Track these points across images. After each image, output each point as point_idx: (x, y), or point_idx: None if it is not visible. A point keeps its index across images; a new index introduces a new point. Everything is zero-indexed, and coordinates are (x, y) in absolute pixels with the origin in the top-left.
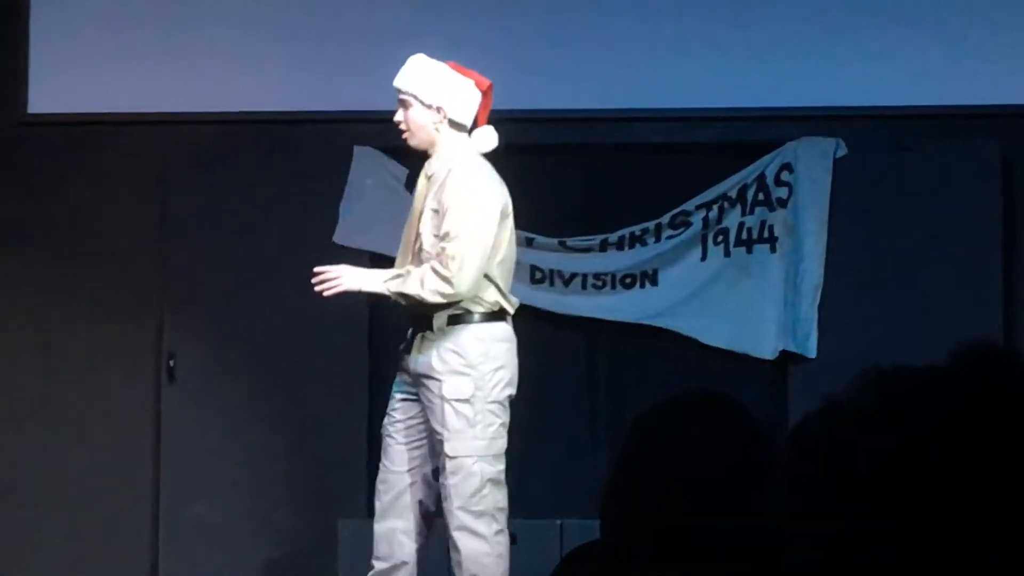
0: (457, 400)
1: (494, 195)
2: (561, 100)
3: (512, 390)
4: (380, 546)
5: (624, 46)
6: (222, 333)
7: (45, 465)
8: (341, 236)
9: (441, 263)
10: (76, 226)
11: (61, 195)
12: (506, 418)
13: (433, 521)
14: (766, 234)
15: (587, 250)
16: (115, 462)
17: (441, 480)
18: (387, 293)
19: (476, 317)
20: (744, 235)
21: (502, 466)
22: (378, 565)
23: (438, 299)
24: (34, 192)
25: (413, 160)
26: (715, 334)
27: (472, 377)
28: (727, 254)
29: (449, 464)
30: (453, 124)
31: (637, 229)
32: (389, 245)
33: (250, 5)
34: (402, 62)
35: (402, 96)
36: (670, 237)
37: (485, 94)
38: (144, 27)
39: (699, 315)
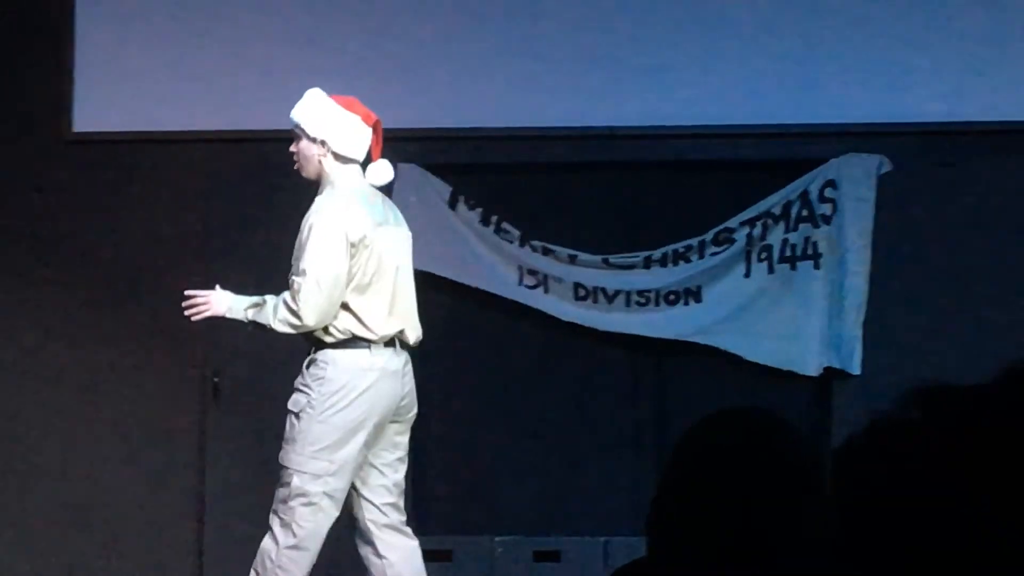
0: (290, 411)
1: (342, 228)
2: (605, 118)
3: (352, 415)
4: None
5: (668, 63)
6: (266, 350)
7: (93, 482)
8: None
9: (291, 296)
10: (121, 244)
11: (106, 213)
12: (337, 440)
13: (383, 529)
14: (810, 251)
15: (631, 267)
16: (161, 480)
17: None
18: (246, 321)
19: (327, 343)
20: (788, 252)
21: (319, 488)
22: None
23: (287, 329)
24: (79, 210)
25: (457, 178)
26: (759, 351)
27: (307, 395)
28: (771, 271)
29: (280, 472)
30: (338, 157)
31: (681, 246)
32: (434, 262)
33: (292, 25)
34: (445, 80)
35: (294, 129)
36: (714, 254)
37: (374, 129)
38: (186, 46)
39: (743, 332)
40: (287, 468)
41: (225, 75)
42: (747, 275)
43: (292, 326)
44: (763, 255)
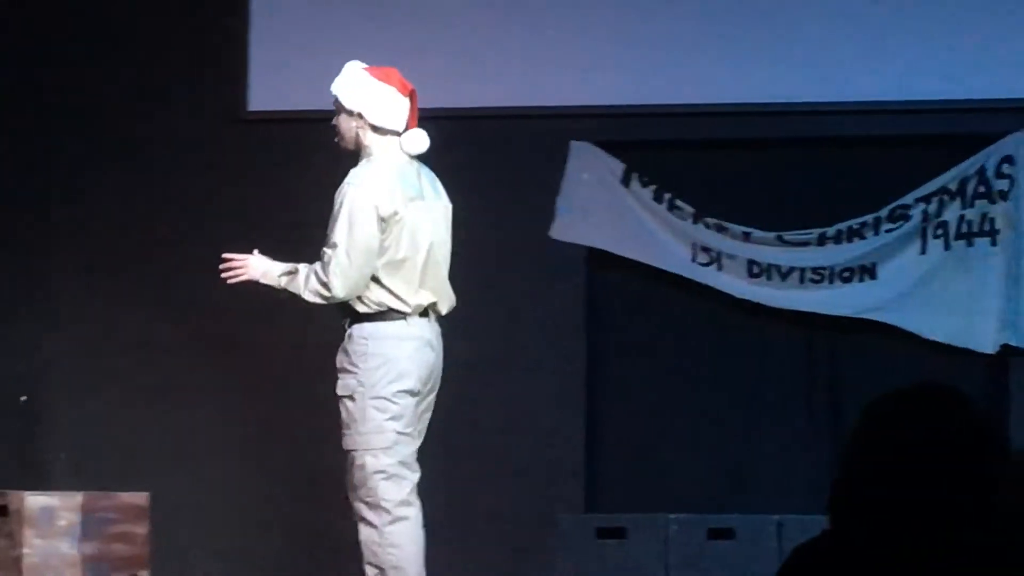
0: (343, 397)
1: (373, 202)
2: (779, 93)
3: (404, 384)
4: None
5: (841, 38)
6: (442, 327)
7: (254, 455)
8: (558, 231)
9: (321, 267)
10: (296, 222)
11: (281, 192)
12: (397, 411)
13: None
14: (987, 227)
15: (805, 244)
16: (326, 458)
17: None
18: (279, 288)
19: (362, 317)
20: (964, 228)
21: (392, 459)
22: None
23: (317, 299)
24: (254, 189)
25: (630, 155)
26: (935, 328)
27: (354, 374)
28: (947, 247)
29: (347, 458)
30: (375, 129)
31: (855, 223)
32: (606, 240)
33: (475, 2)
34: (619, 58)
35: (333, 103)
36: (889, 231)
37: (410, 99)
38: (360, 24)
39: (918, 309)
40: (354, 451)
41: (405, 54)
42: (923, 252)
43: (322, 296)
44: (939, 232)
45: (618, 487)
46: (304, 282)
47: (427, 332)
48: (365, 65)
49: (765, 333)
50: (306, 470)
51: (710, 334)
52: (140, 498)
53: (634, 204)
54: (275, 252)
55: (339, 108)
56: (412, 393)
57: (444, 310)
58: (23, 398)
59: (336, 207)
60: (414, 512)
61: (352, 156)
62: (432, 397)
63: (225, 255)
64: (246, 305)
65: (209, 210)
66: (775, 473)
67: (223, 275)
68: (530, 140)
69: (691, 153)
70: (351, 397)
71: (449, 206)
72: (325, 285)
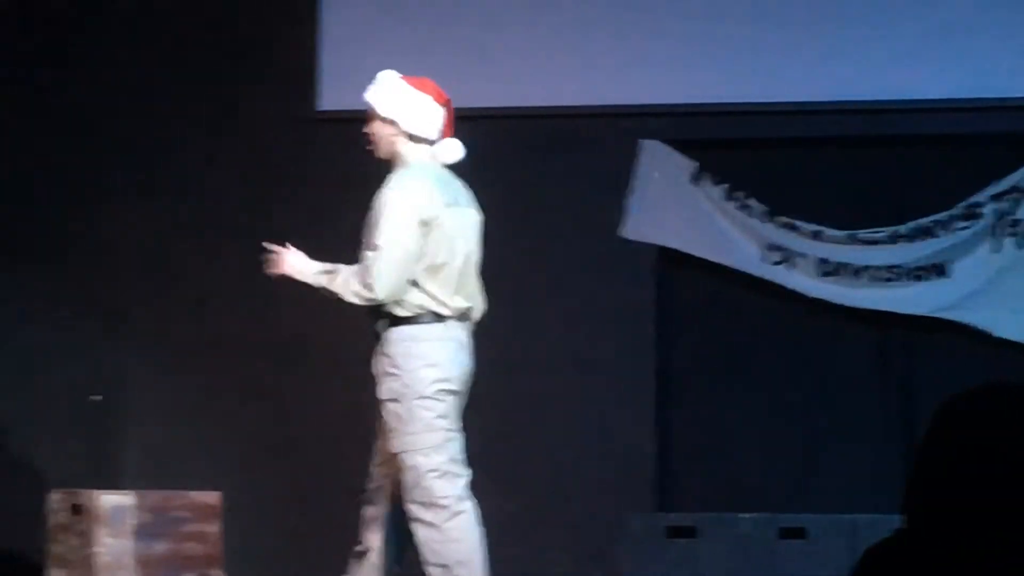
0: (389, 400)
1: (415, 206)
2: (851, 91)
3: (447, 384)
4: (360, 531)
5: (913, 36)
6: (508, 327)
7: (335, 458)
8: (629, 230)
9: (363, 269)
10: (363, 221)
11: (350, 192)
12: (443, 409)
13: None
14: None
15: (877, 242)
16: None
17: None
18: (315, 286)
19: (400, 320)
20: None
21: (444, 457)
22: (356, 548)
23: (357, 301)
24: (324, 189)
25: (701, 153)
26: (1007, 326)
27: (398, 377)
28: (1020, 246)
29: (397, 460)
30: (410, 137)
31: (928, 221)
32: (677, 239)
33: (555, 3)
34: (690, 56)
35: (368, 110)
36: (961, 229)
37: (445, 108)
38: (431, 23)
39: (991, 307)
40: (405, 452)
41: (468, 52)
42: (995, 250)
43: (364, 299)
44: (1012, 230)
45: (689, 486)
46: (344, 283)
47: (463, 335)
48: (401, 75)
49: (836, 332)
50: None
51: (781, 333)
52: (212, 497)
53: (705, 203)
54: (342, 252)
55: (373, 116)
56: (453, 392)
57: (477, 316)
58: (95, 398)
59: (376, 211)
60: (471, 506)
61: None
62: (463, 403)
63: (265, 244)
64: (315, 306)
65: (278, 209)
66: (847, 472)
67: (264, 267)
68: (601, 139)
69: (762, 151)
70: (396, 400)
71: (480, 217)
72: (368, 286)
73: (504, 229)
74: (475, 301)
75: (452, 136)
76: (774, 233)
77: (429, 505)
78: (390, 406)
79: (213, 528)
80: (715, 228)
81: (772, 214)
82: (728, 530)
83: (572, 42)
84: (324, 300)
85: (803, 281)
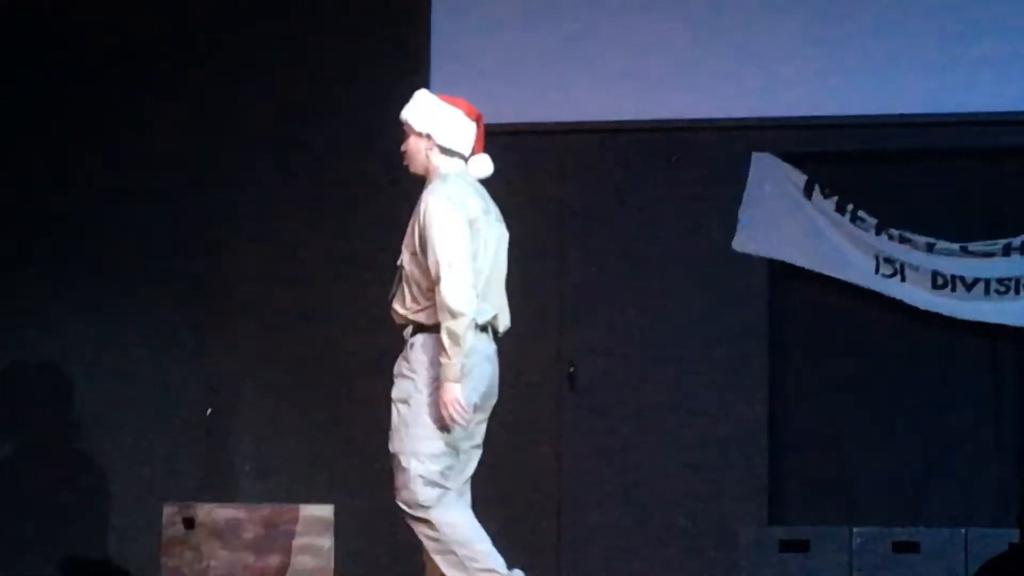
0: (399, 400)
1: (458, 208)
2: (962, 103)
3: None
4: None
5: (1020, 46)
6: (620, 341)
7: None
8: (740, 243)
9: (441, 308)
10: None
11: None
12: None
13: None
14: None
15: (990, 255)
16: (519, 469)
17: None
18: (459, 362)
19: (427, 329)
20: None
21: (436, 467)
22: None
23: (462, 331)
24: None
25: (812, 166)
26: None
27: (413, 380)
28: None
29: (392, 461)
30: (443, 150)
31: None
32: (788, 251)
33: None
34: (801, 69)
35: (403, 127)
36: None
37: (476, 123)
38: (540, 39)
39: None
40: (401, 454)
41: (576, 66)
42: None
43: (460, 328)
44: None
45: (801, 500)
46: (449, 343)
47: (487, 348)
48: (432, 93)
49: (949, 344)
50: (493, 478)
51: (893, 345)
52: (325, 510)
53: (816, 216)
54: None
55: (408, 131)
56: (471, 405)
57: (502, 328)
58: (208, 411)
59: (425, 224)
60: (456, 487)
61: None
62: (486, 416)
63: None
64: None
65: (390, 226)
66: (961, 485)
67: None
68: (712, 152)
69: (873, 164)
70: (406, 401)
71: (507, 234)
72: (452, 313)
73: (616, 242)
74: (501, 312)
75: (483, 152)
76: (886, 246)
77: (415, 506)
78: (399, 406)
79: (325, 541)
80: (827, 241)
81: (884, 227)
82: (841, 544)
83: (684, 55)
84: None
85: (915, 293)
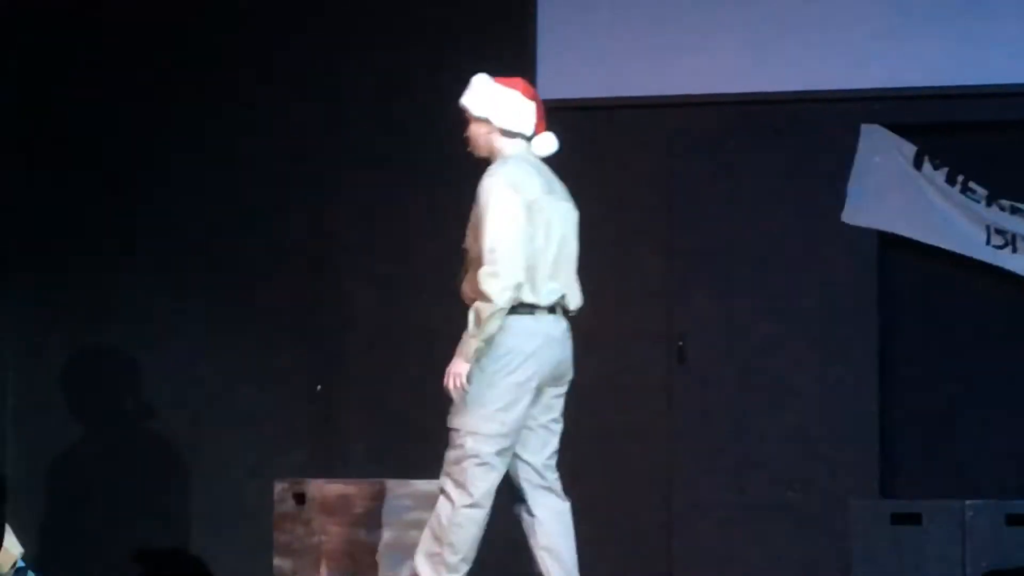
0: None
1: (516, 190)
2: None
3: (520, 377)
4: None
5: None
6: (730, 314)
7: (562, 446)
8: (850, 215)
9: (479, 283)
10: (583, 210)
11: (569, 179)
12: (509, 402)
13: (537, 490)
14: None
15: None
16: (629, 443)
17: None
18: (476, 344)
19: None
20: None
21: (492, 448)
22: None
23: (493, 315)
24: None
25: (921, 137)
26: None
27: (476, 360)
28: None
29: (449, 435)
30: (504, 132)
31: None
32: (898, 223)
33: None
34: (910, 38)
35: (464, 113)
36: None
37: (534, 101)
38: (646, 11)
39: None
40: (459, 431)
41: (684, 39)
42: None
43: (490, 313)
44: None
45: (913, 473)
46: (472, 321)
47: (553, 329)
48: (493, 77)
49: None
50: (604, 450)
51: (1005, 317)
52: (434, 485)
53: (926, 187)
54: None
55: (469, 117)
56: (527, 388)
57: (572, 306)
58: (319, 387)
59: (481, 208)
60: (489, 506)
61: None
62: (562, 391)
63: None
64: None
65: None
66: None
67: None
68: (822, 124)
69: (984, 134)
70: (468, 380)
71: (576, 212)
72: (483, 296)
73: (726, 214)
74: (571, 291)
75: (546, 130)
76: (997, 216)
77: (459, 485)
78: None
79: None
80: (937, 212)
81: (995, 197)
82: (954, 517)
83: (792, 27)
84: None
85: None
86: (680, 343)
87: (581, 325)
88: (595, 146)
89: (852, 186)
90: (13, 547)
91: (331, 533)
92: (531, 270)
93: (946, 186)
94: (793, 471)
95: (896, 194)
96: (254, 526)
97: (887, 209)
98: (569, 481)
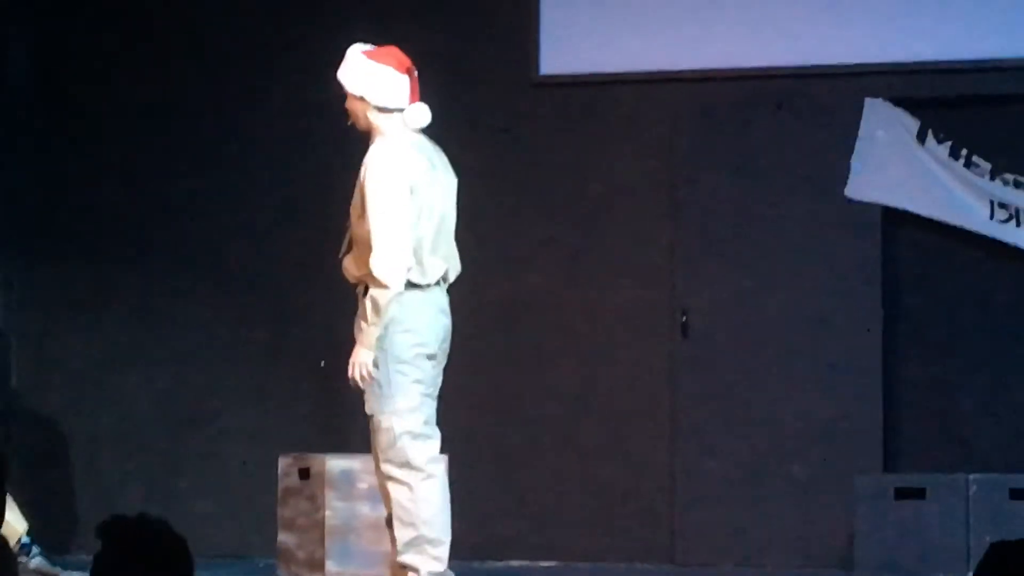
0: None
1: (400, 173)
2: None
3: (424, 349)
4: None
5: None
6: (733, 289)
7: (565, 421)
8: (853, 190)
9: (373, 267)
10: (586, 186)
11: (572, 155)
12: (420, 374)
13: None
14: None
15: None
16: (630, 418)
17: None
18: (377, 331)
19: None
20: None
21: (418, 419)
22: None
23: (385, 300)
24: (546, 153)
25: (925, 111)
26: None
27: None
28: None
29: (370, 423)
30: (381, 109)
31: None
32: (902, 198)
33: None
34: (908, 12)
35: (342, 88)
36: None
37: (408, 75)
38: None
39: None
40: (380, 415)
41: (689, 13)
42: None
43: (384, 297)
44: None
45: (917, 447)
46: (371, 310)
47: (441, 300)
48: (364, 48)
49: None
50: (606, 426)
51: (1009, 291)
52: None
53: (930, 161)
54: (561, 212)
55: (347, 93)
56: (430, 357)
57: (452, 277)
58: (323, 363)
59: (367, 191)
60: (441, 470)
61: (366, 138)
62: (444, 362)
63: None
64: (530, 277)
65: (502, 170)
66: None
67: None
68: (825, 98)
69: (987, 108)
70: (374, 363)
71: (455, 181)
72: (378, 283)
73: (730, 189)
74: (451, 263)
75: (419, 101)
76: (1001, 191)
77: (403, 465)
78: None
79: None
80: (940, 186)
81: (998, 172)
82: (957, 491)
83: (795, 1)
84: (540, 273)
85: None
86: (683, 318)
87: (586, 300)
88: (598, 121)
89: (855, 160)
90: (18, 522)
91: (335, 508)
92: (417, 250)
93: (950, 160)
94: (797, 446)
95: (899, 168)
96: (259, 501)
97: (890, 183)
98: (574, 457)
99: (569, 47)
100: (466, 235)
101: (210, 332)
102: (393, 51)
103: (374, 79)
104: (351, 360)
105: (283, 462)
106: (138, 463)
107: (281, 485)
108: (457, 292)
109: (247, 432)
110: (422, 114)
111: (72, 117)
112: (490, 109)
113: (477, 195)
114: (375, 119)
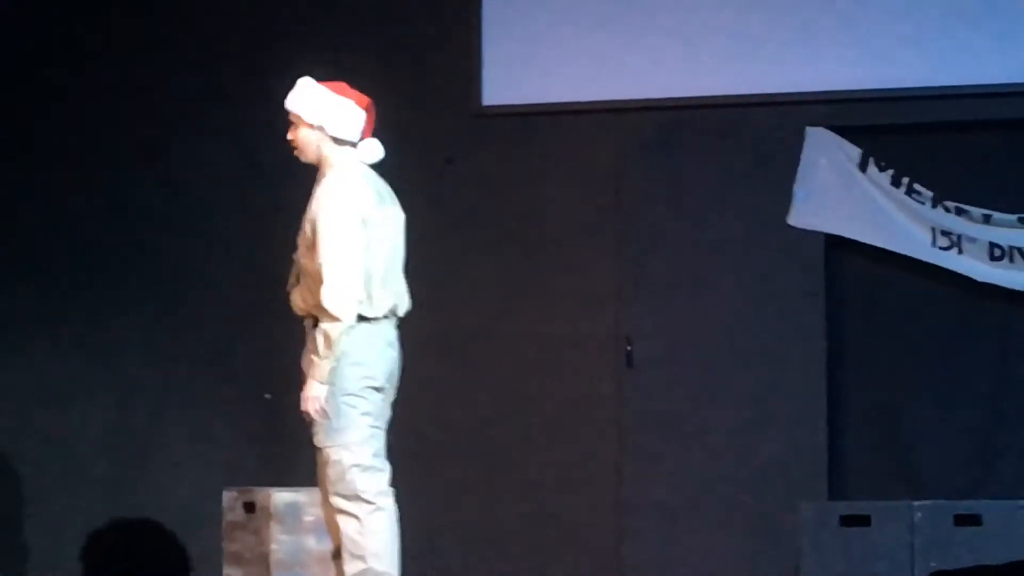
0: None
1: (352, 207)
2: (1017, 74)
3: (372, 381)
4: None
5: None
6: (678, 318)
7: (512, 451)
8: (796, 218)
9: (323, 304)
10: (531, 216)
11: (516, 186)
12: (368, 406)
13: None
14: None
15: None
16: (578, 448)
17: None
18: (329, 365)
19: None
20: None
21: (367, 452)
22: None
23: (340, 335)
24: (490, 183)
25: (866, 139)
26: None
27: None
28: None
29: (318, 456)
30: (336, 140)
31: None
32: (844, 225)
33: None
34: (848, 41)
35: (290, 116)
36: None
37: (367, 111)
38: (592, 17)
39: None
40: (329, 447)
41: (630, 44)
42: None
43: (337, 331)
44: None
45: (862, 474)
46: (323, 344)
47: (390, 334)
48: (317, 80)
49: (1008, 316)
50: (552, 455)
51: (952, 318)
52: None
53: (871, 189)
54: (505, 244)
55: (298, 122)
56: (379, 389)
57: (402, 312)
58: (267, 396)
59: (319, 225)
60: (391, 503)
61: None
62: (393, 395)
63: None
64: (479, 308)
65: (444, 202)
66: (1023, 457)
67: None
68: (766, 127)
69: (928, 136)
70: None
71: (403, 215)
72: (330, 317)
73: (673, 218)
74: (401, 298)
75: (372, 136)
76: (943, 218)
77: (352, 498)
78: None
79: None
80: (882, 214)
81: (940, 199)
82: (902, 518)
83: (735, 30)
84: (484, 304)
85: (973, 266)
86: (628, 347)
87: (531, 330)
88: (541, 151)
89: (798, 189)
90: None
91: (280, 542)
92: (367, 283)
93: (891, 188)
94: (742, 473)
95: (842, 196)
96: (205, 535)
97: (833, 211)
98: (521, 487)
99: (511, 78)
100: (410, 265)
101: (154, 363)
102: (347, 87)
103: (334, 111)
104: (303, 394)
105: (227, 496)
106: (82, 496)
107: (226, 519)
108: (403, 324)
109: (191, 465)
110: (377, 149)
111: (10, 135)
112: (433, 140)
113: (420, 226)
114: (328, 151)
